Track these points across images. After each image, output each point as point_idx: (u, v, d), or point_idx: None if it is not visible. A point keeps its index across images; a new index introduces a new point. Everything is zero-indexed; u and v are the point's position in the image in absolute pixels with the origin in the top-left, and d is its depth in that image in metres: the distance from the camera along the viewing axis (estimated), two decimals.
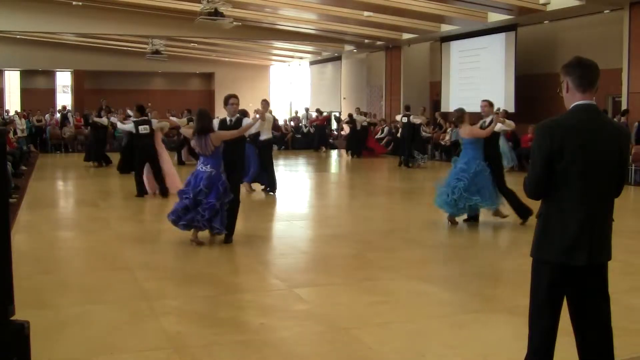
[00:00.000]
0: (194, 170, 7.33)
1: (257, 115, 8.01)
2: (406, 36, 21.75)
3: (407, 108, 17.96)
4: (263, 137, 11.49)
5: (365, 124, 21.05)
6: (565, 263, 2.98)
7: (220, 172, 7.20)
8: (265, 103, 11.49)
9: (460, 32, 20.01)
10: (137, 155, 11.61)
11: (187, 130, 8.87)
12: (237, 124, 7.49)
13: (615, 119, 13.43)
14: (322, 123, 24.32)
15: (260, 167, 11.61)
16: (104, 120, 17.28)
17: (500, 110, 16.33)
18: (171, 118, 16.06)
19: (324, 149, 23.33)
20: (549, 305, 3.05)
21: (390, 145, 21.62)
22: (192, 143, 7.63)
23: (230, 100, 7.52)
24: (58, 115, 24.33)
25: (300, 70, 32.67)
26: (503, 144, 16.07)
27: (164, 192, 11.14)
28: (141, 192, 11.21)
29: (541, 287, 3.06)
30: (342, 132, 25.91)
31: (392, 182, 15.21)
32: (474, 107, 19.60)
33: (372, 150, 21.26)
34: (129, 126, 12.15)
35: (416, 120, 17.53)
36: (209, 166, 7.13)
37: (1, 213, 2.61)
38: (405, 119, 17.53)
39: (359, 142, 21.01)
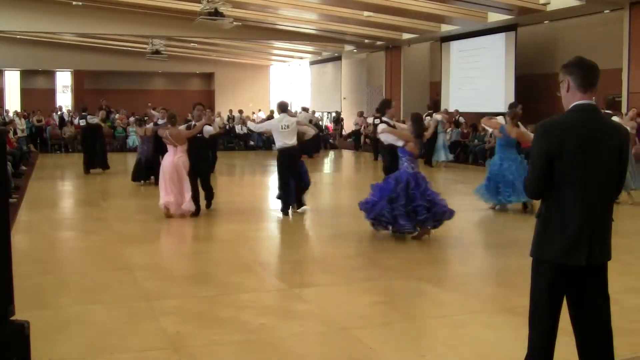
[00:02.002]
0: (404, 171, 7.48)
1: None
2: (406, 36, 21.76)
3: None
4: (289, 142, 9.47)
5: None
6: (565, 263, 2.98)
7: None
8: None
9: (460, 32, 20.03)
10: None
11: (400, 133, 7.98)
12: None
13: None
14: None
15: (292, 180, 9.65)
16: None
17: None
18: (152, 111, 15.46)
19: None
20: (549, 305, 3.05)
21: None
22: (410, 145, 7.58)
23: (394, 103, 8.56)
24: (56, 115, 24.33)
25: (300, 70, 32.67)
26: (440, 140, 17.17)
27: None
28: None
29: (541, 287, 3.06)
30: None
31: None
32: (473, 107, 19.81)
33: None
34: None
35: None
36: (415, 166, 7.61)
37: (1, 213, 2.61)
38: (378, 122, 18.40)
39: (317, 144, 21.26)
